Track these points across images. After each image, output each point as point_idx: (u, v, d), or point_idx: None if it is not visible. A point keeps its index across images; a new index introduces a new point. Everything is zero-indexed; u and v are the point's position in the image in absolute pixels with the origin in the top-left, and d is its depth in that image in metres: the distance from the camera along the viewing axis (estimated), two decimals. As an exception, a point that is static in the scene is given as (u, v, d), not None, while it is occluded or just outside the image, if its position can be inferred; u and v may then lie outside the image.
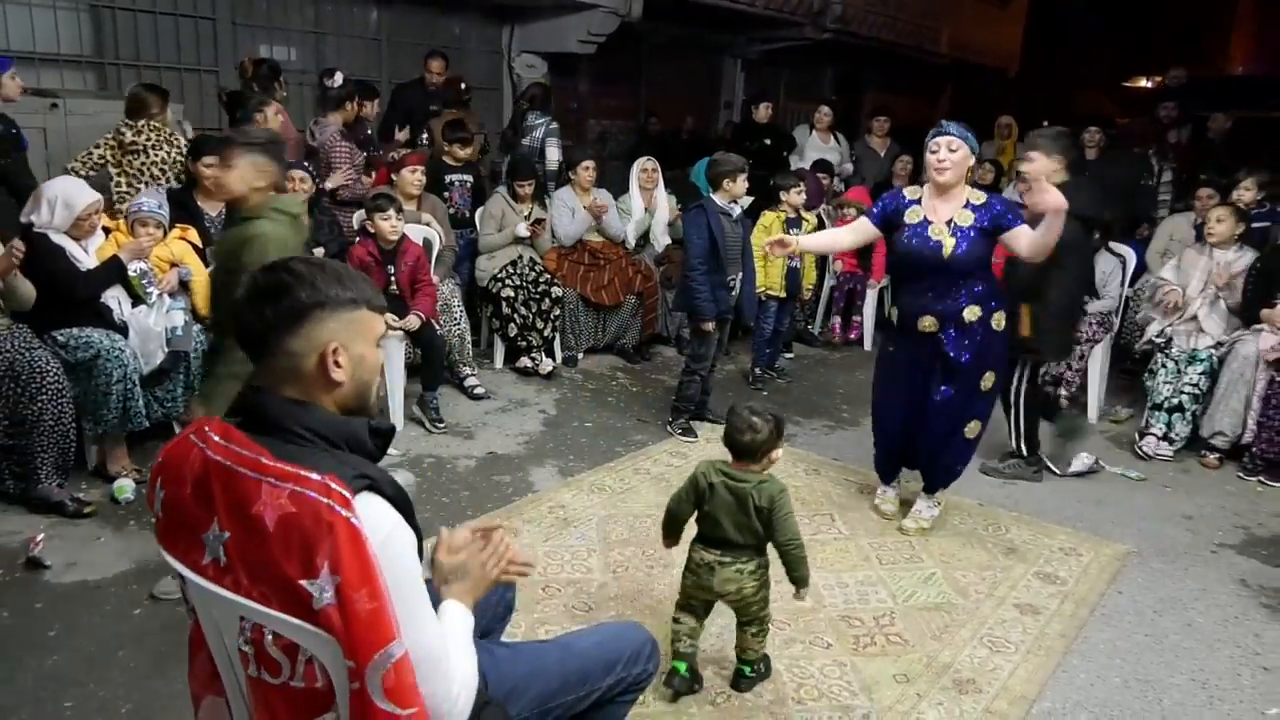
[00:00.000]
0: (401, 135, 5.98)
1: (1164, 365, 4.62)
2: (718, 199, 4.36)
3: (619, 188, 6.08)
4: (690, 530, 2.62)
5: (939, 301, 3.33)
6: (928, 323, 3.35)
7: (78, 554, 3.10)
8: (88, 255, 3.60)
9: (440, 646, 1.36)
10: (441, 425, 4.39)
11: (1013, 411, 4.06)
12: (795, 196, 5.11)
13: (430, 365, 4.44)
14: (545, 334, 5.32)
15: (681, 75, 9.77)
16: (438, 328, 4.48)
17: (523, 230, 5.32)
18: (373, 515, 1.26)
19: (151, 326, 3.69)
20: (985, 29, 12.20)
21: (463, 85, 6.43)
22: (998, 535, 3.61)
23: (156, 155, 4.44)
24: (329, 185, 5.08)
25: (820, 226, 6.26)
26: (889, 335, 3.63)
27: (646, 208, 5.95)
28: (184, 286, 3.87)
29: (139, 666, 2.53)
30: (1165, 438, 4.52)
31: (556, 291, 5.34)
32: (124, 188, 4.39)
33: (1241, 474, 4.32)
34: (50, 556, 3.04)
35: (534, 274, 5.36)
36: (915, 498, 3.70)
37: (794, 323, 6.10)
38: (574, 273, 5.60)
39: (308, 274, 1.36)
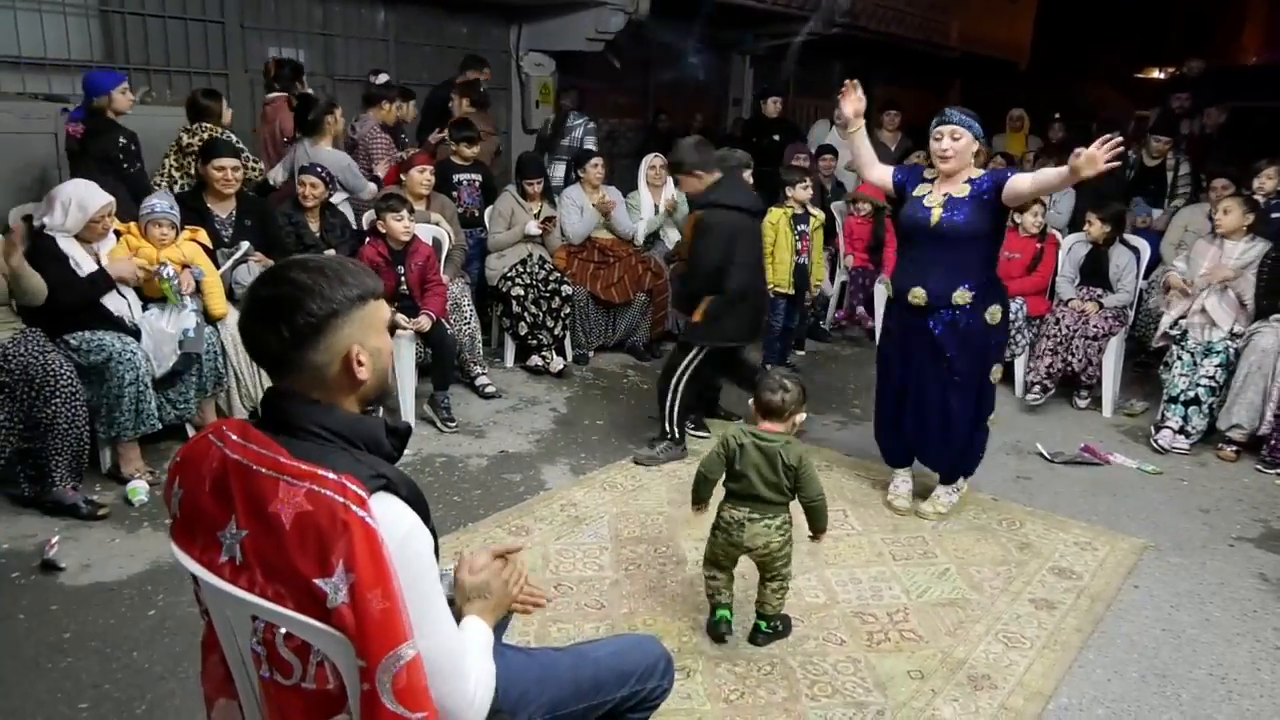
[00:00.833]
0: (435, 137, 6.04)
1: (1180, 358, 4.57)
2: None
3: (628, 185, 6.08)
4: (717, 496, 2.77)
5: (927, 273, 3.40)
6: (917, 294, 3.42)
7: (92, 556, 3.12)
8: (95, 262, 3.60)
9: (457, 647, 1.36)
10: (453, 425, 4.40)
11: (670, 395, 4.07)
12: (801, 192, 5.09)
13: (441, 365, 4.44)
14: (556, 332, 5.32)
15: (689, 72, 9.75)
16: (448, 327, 4.47)
17: (533, 228, 5.32)
18: (390, 516, 1.26)
19: (164, 329, 3.70)
20: (995, 22, 12.13)
21: (480, 85, 6.47)
22: (1012, 530, 3.58)
23: None
24: (379, 171, 5.37)
25: (830, 223, 6.26)
26: (889, 309, 3.70)
27: (656, 205, 5.94)
28: (196, 287, 3.87)
29: (153, 668, 2.54)
30: (1181, 431, 4.48)
31: (566, 290, 5.34)
32: (185, 190, 4.54)
33: (1259, 467, 4.28)
34: (65, 559, 3.06)
35: (544, 272, 5.36)
36: (930, 490, 3.70)
37: (804, 319, 6.09)
38: (584, 271, 5.60)
39: (313, 283, 1.32)
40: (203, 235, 3.97)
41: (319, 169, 4.59)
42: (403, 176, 5.01)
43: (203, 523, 1.33)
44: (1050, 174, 3.25)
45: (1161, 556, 3.42)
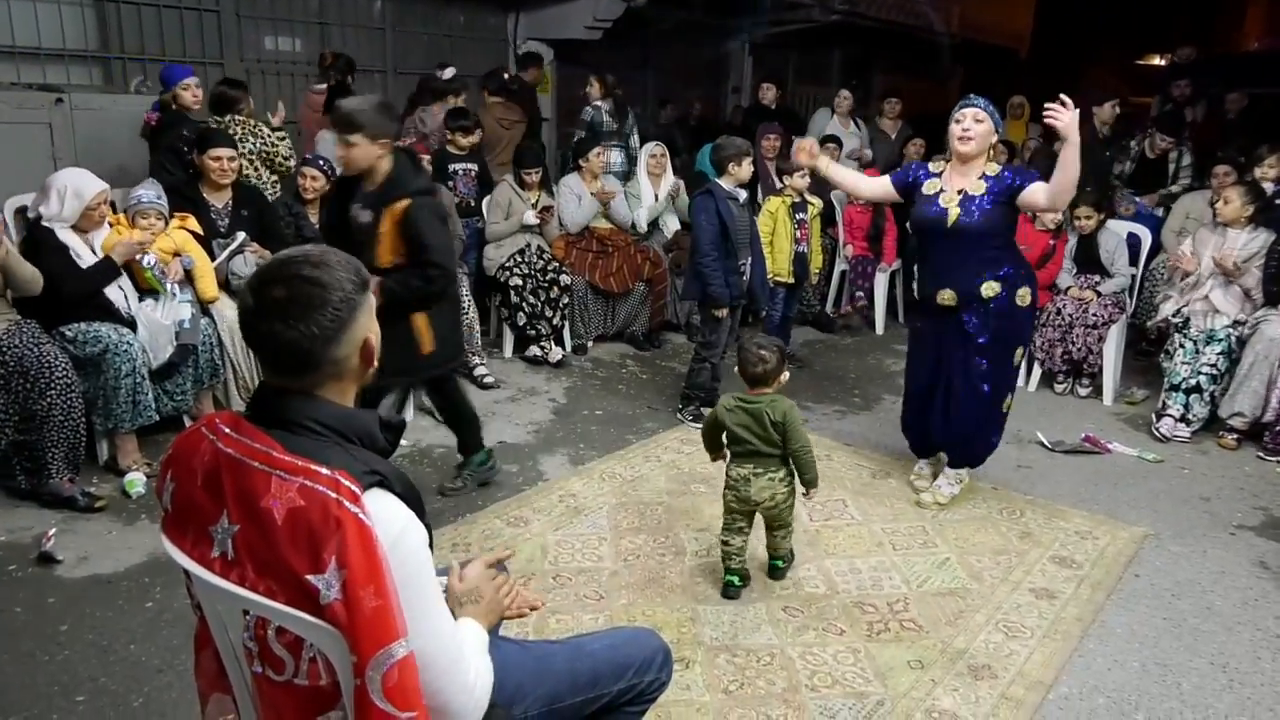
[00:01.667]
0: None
1: (1181, 345, 4.56)
2: (724, 183, 4.32)
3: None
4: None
5: (953, 274, 3.39)
6: (946, 296, 3.41)
7: (89, 549, 3.11)
8: (92, 252, 3.59)
9: (453, 640, 1.35)
10: (420, 411, 4.40)
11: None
12: (799, 180, 5.06)
13: None
14: (554, 322, 5.30)
15: (689, 60, 9.70)
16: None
17: (531, 218, 5.29)
18: (384, 512, 1.25)
19: (160, 320, 3.69)
20: (996, 9, 12.05)
21: (505, 75, 6.54)
22: (1012, 519, 3.57)
23: (244, 147, 4.59)
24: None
25: (830, 211, 6.23)
26: (916, 310, 3.72)
27: (656, 193, 5.92)
28: (187, 275, 3.85)
29: (150, 660, 2.53)
30: (1183, 419, 4.47)
31: (565, 280, 5.32)
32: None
33: (1261, 454, 4.26)
34: (62, 551, 3.05)
35: (542, 262, 5.33)
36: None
37: (804, 308, 6.07)
38: (582, 260, 5.57)
39: (329, 279, 1.30)
40: (192, 222, 3.95)
41: (321, 160, 4.56)
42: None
43: (194, 517, 1.32)
44: (1059, 173, 3.13)
45: (1162, 545, 3.41)
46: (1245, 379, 4.31)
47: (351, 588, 1.18)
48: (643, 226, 5.84)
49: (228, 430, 1.32)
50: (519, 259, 5.29)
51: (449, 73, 6.13)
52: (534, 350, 5.26)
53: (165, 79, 4.67)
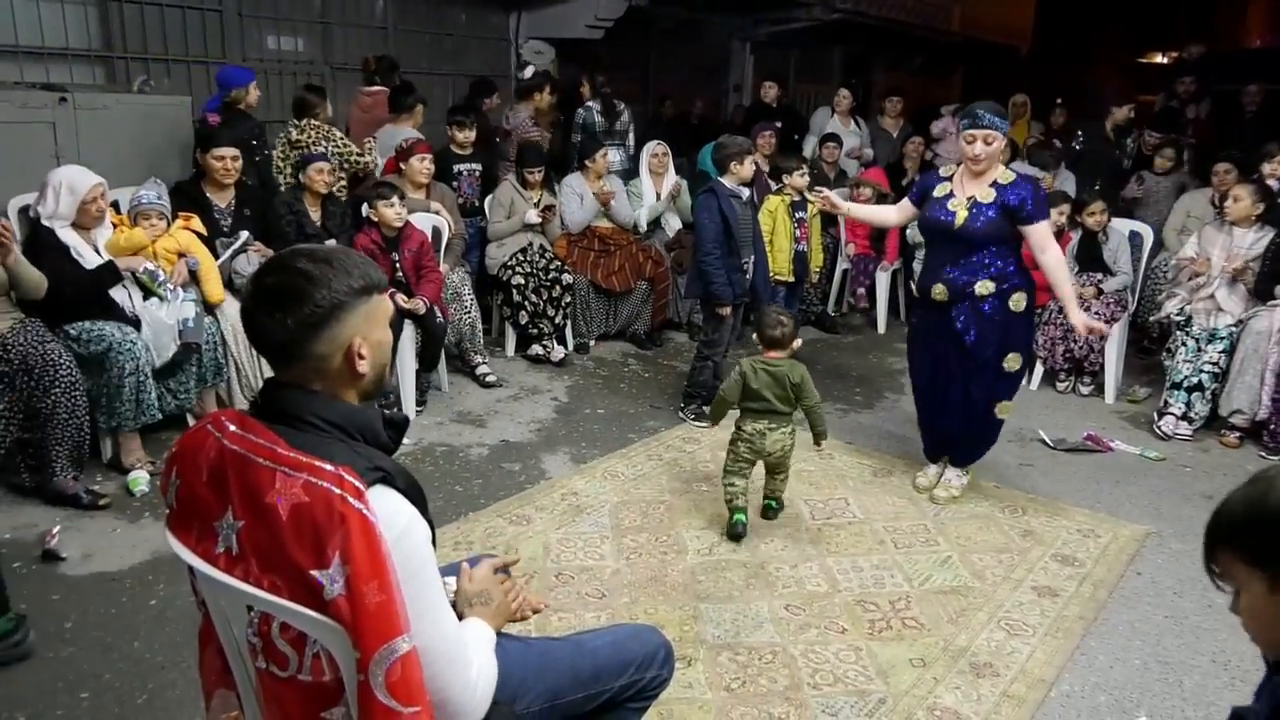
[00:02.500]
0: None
1: (1183, 344, 4.55)
2: (726, 182, 4.32)
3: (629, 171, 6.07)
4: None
5: (951, 270, 3.41)
6: (939, 291, 3.44)
7: (93, 546, 3.12)
8: (95, 252, 3.59)
9: (457, 636, 1.36)
10: (421, 409, 4.43)
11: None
12: (799, 179, 5.06)
13: (429, 349, 4.45)
14: (556, 321, 5.30)
15: (690, 59, 9.69)
16: (439, 316, 4.44)
17: (533, 217, 5.30)
18: (388, 509, 1.25)
19: (164, 319, 3.69)
20: (997, 7, 12.03)
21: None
22: (1014, 517, 3.57)
23: (318, 150, 4.90)
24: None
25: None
26: (914, 306, 3.79)
27: (658, 192, 5.92)
28: (192, 276, 3.86)
29: (154, 657, 2.54)
30: (1184, 417, 4.47)
31: (567, 278, 5.32)
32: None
33: (1262, 453, 4.26)
34: (66, 549, 3.06)
35: (544, 261, 5.34)
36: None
37: (805, 308, 6.08)
38: (584, 259, 5.58)
39: (319, 273, 1.31)
40: (196, 223, 3.95)
41: (327, 156, 4.58)
42: (402, 165, 4.99)
43: (199, 513, 1.33)
44: (1061, 288, 3.44)
45: (1164, 543, 3.41)
46: (1239, 375, 4.31)
47: (355, 583, 1.18)
48: (644, 226, 5.84)
49: (233, 427, 1.33)
50: (521, 258, 5.29)
51: (529, 71, 6.43)
52: (536, 349, 5.27)
53: (227, 81, 4.93)
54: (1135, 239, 5.22)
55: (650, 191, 5.90)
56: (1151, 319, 5.09)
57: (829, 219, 6.17)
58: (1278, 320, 4.22)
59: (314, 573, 1.21)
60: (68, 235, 3.52)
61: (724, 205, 4.24)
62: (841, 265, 6.49)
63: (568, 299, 5.32)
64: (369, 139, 5.47)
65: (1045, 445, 4.31)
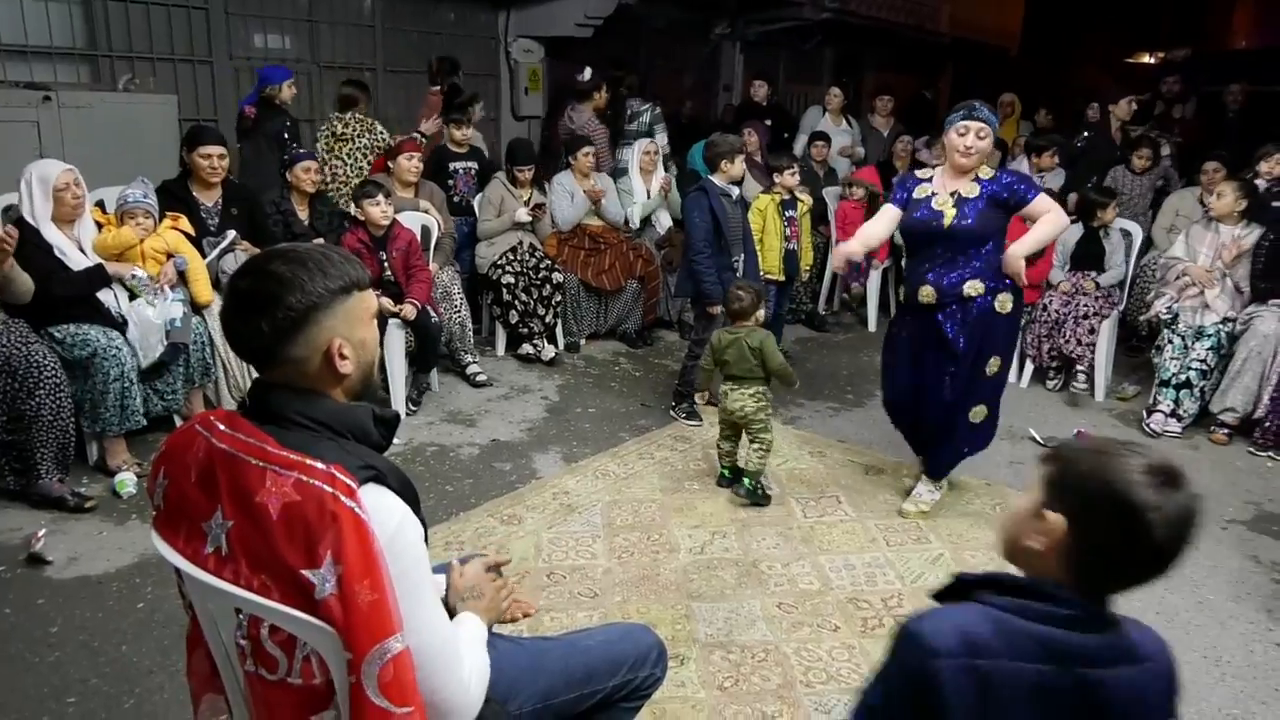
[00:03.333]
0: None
1: (1171, 341, 4.57)
2: (717, 180, 4.32)
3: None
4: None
5: (939, 272, 3.30)
6: (926, 294, 3.33)
7: (79, 549, 3.08)
8: (80, 251, 3.55)
9: (449, 635, 1.35)
10: (414, 409, 4.41)
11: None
12: (789, 178, 5.05)
13: (424, 350, 4.42)
14: (547, 320, 5.29)
15: (680, 58, 9.69)
16: (432, 315, 4.42)
17: (523, 215, 5.28)
18: (380, 508, 1.24)
19: (151, 319, 3.66)
20: (985, 7, 12.06)
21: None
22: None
23: (360, 142, 5.35)
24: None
25: (822, 208, 6.24)
26: (898, 313, 3.67)
27: (648, 190, 5.91)
28: (180, 276, 3.83)
29: (142, 661, 2.52)
30: (1173, 414, 4.49)
31: (557, 277, 5.31)
32: (339, 171, 5.32)
33: (1251, 450, 4.28)
34: (51, 552, 3.02)
35: (534, 260, 5.32)
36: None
37: (796, 306, 6.08)
38: (574, 258, 5.56)
39: (292, 276, 1.28)
40: (184, 222, 3.92)
41: (315, 155, 4.55)
42: (390, 164, 4.96)
43: (188, 513, 1.31)
44: (1038, 236, 3.29)
45: (1154, 540, 3.41)
46: (1238, 375, 4.33)
47: (347, 582, 1.17)
48: (636, 222, 5.84)
49: (222, 426, 1.31)
50: (511, 257, 5.27)
51: (587, 73, 6.61)
52: (527, 348, 5.25)
53: (267, 78, 5.27)
54: (1125, 237, 5.24)
55: (640, 189, 5.89)
56: (1141, 318, 5.10)
57: (819, 217, 6.17)
58: None
59: (305, 572, 1.19)
60: (52, 235, 3.48)
61: (714, 204, 4.23)
62: (832, 264, 6.49)
63: (558, 298, 5.31)
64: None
65: (1036, 443, 4.32)
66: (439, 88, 5.95)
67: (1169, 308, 4.68)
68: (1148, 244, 5.60)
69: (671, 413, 4.52)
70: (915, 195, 3.37)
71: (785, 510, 3.55)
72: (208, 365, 3.87)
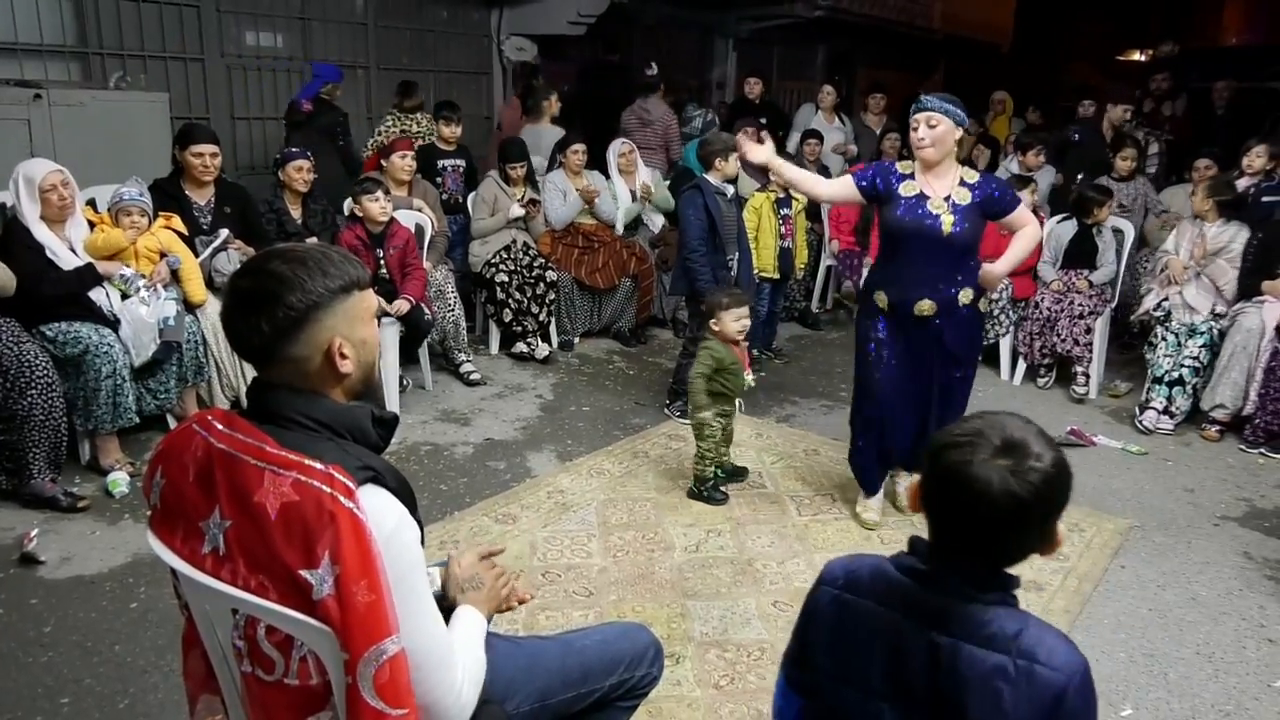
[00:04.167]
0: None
1: (1164, 338, 4.59)
2: (711, 179, 4.32)
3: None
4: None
5: (937, 284, 3.16)
6: (925, 306, 3.17)
7: (72, 549, 3.07)
8: (73, 254, 3.53)
9: (443, 638, 1.34)
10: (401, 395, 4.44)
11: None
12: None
13: (412, 344, 4.46)
14: (540, 319, 5.28)
15: (673, 55, 9.68)
16: (426, 313, 4.41)
17: (516, 209, 5.27)
18: (378, 509, 1.24)
19: (144, 318, 3.64)
20: (977, 4, 12.10)
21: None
22: (999, 512, 3.58)
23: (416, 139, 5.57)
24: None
25: (814, 207, 6.23)
26: (874, 323, 3.33)
27: (632, 191, 5.88)
28: (173, 275, 3.81)
29: (136, 661, 2.51)
30: (1166, 411, 4.50)
31: (551, 276, 5.30)
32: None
33: (1243, 446, 4.30)
34: (44, 552, 3.01)
35: (528, 258, 5.31)
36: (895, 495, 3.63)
37: (789, 304, 6.08)
38: (568, 256, 5.56)
39: (293, 275, 1.28)
40: (177, 222, 3.90)
41: (308, 154, 4.53)
42: (384, 162, 4.95)
43: (185, 513, 1.31)
44: (1018, 251, 3.29)
45: (1147, 536, 3.44)
46: (1225, 371, 4.35)
47: (345, 583, 1.17)
48: (620, 228, 5.80)
49: (220, 426, 1.31)
50: (505, 255, 5.26)
51: (654, 67, 7.02)
52: (520, 346, 5.24)
53: (324, 76, 5.75)
54: (1116, 235, 5.25)
55: (623, 191, 5.86)
56: (1132, 317, 5.12)
57: (813, 215, 6.18)
58: (1268, 317, 4.25)
59: (303, 572, 1.19)
60: (42, 234, 3.46)
61: (709, 202, 4.23)
62: (826, 261, 6.50)
63: (552, 296, 5.30)
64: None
65: None
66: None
67: (1158, 304, 4.70)
68: (1139, 242, 5.62)
69: (666, 411, 4.53)
70: (901, 192, 3.18)
71: (780, 508, 3.56)
72: (201, 364, 3.85)
